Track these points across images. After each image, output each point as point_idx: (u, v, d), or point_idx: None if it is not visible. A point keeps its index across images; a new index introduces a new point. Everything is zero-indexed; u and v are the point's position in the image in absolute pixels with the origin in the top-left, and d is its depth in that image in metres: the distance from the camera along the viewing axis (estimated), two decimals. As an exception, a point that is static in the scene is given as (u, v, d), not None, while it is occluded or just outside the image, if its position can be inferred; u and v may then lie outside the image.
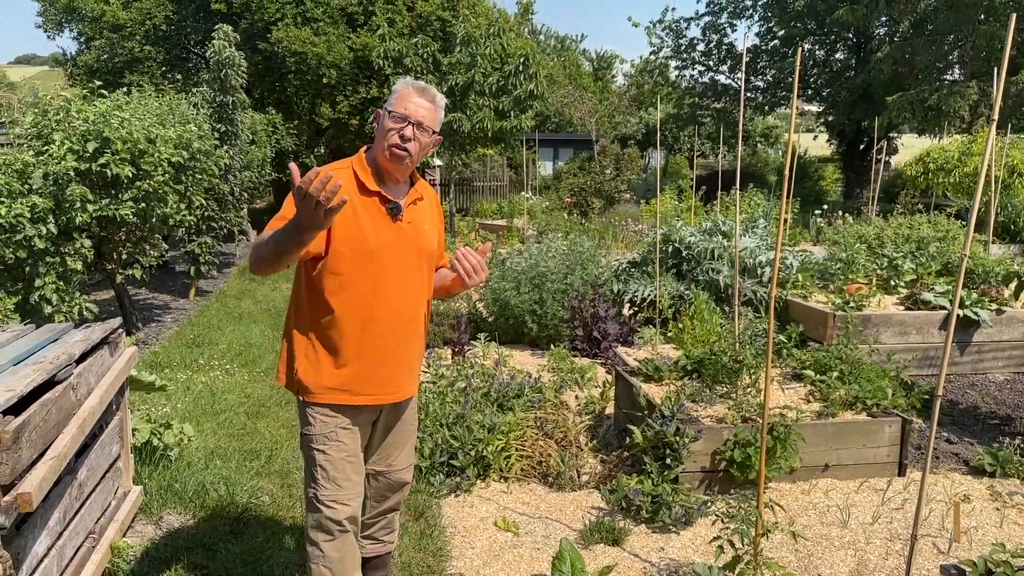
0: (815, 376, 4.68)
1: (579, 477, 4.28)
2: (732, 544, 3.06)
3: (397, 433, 2.76)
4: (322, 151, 17.47)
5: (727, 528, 3.09)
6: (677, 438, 3.91)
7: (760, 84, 26.12)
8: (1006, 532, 3.56)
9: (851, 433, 4.12)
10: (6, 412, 2.41)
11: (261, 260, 2.23)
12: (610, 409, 5.25)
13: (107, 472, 3.40)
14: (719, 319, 5.89)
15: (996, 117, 2.54)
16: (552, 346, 6.57)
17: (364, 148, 2.60)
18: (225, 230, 10.33)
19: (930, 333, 6.31)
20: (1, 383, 2.56)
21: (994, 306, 6.35)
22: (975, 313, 6.25)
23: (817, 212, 13.51)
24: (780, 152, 39.98)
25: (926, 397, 4.44)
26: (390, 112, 2.46)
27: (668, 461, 3.91)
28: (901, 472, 4.18)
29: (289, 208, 2.29)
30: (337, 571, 2.55)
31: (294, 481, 4.29)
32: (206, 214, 9.32)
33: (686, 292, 7.06)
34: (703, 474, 4.05)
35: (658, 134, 6.83)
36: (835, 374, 4.56)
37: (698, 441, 3.93)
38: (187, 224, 8.05)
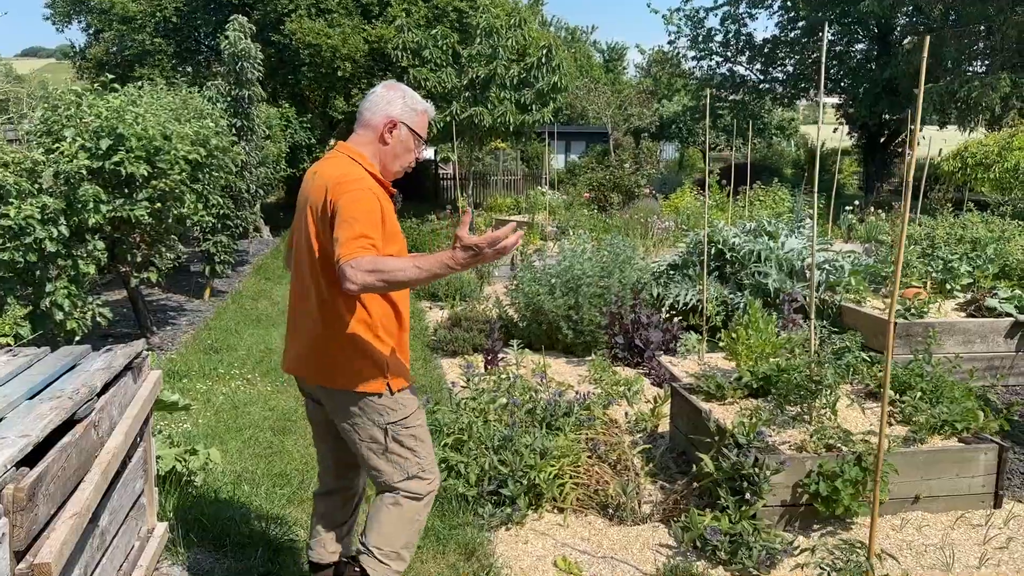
0: (894, 395, 4.31)
1: (640, 508, 3.92)
2: (842, 603, 2.70)
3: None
4: (334, 144, 17.18)
5: (823, 571, 2.73)
6: (756, 470, 3.54)
7: (779, 76, 25.62)
8: None
9: (943, 462, 3.74)
10: (19, 463, 2.05)
11: (394, 283, 2.29)
12: (663, 427, 4.88)
13: (130, 511, 3.04)
14: (774, 328, 5.51)
15: None
16: (590, 353, 6.20)
17: (351, 149, 2.66)
18: (240, 228, 9.99)
19: (995, 342, 5.92)
20: (14, 426, 2.20)
21: (1064, 313, 5.95)
22: (1045, 320, 5.86)
23: (848, 208, 13.08)
24: (794, 145, 39.48)
25: (1017, 419, 4.06)
26: (416, 134, 2.69)
27: (747, 495, 3.54)
28: (997, 504, 3.81)
29: (382, 232, 2.47)
30: (418, 535, 2.79)
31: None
32: (222, 212, 8.97)
33: (730, 297, 6.68)
34: (783, 508, 3.68)
35: (706, 122, 6.42)
36: (917, 393, 4.18)
37: (779, 473, 3.56)
38: (204, 224, 7.70)
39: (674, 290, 6.84)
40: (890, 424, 4.13)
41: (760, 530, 3.48)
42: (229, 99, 9.89)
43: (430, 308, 8.87)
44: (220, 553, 3.52)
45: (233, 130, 9.51)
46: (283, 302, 9.08)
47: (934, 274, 6.89)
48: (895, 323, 5.86)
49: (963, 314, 6.20)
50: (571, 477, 4.02)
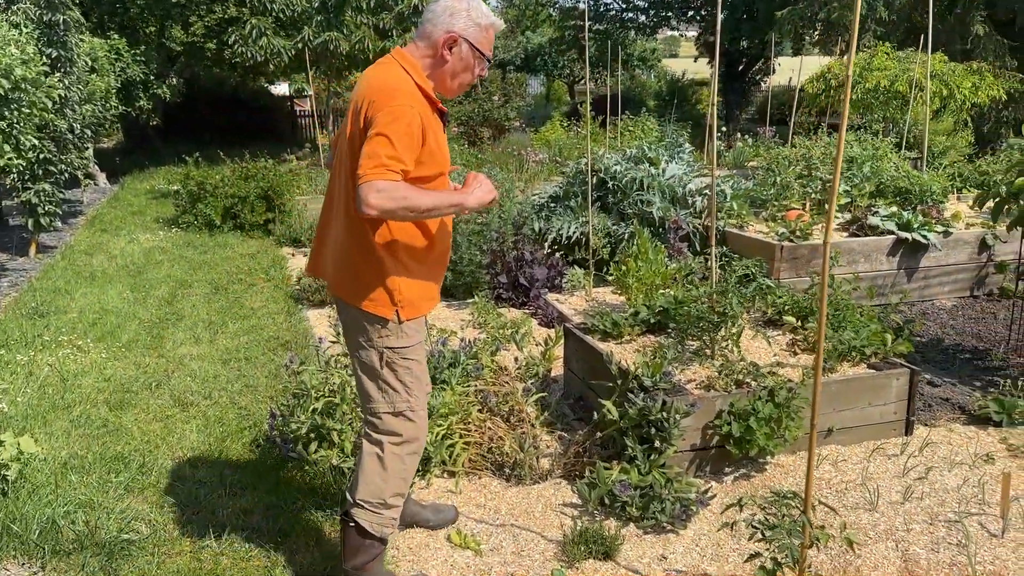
0: (795, 322, 4.08)
1: (538, 464, 3.53)
2: (780, 566, 2.39)
3: None
4: (174, 81, 15.55)
5: (759, 535, 2.42)
6: (665, 415, 3.20)
7: (641, 4, 25.48)
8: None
9: (856, 391, 3.54)
10: None
11: (413, 212, 2.26)
12: (556, 370, 4.50)
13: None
14: (663, 258, 5.21)
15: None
16: (472, 295, 5.74)
17: (406, 58, 2.46)
18: (67, 174, 8.77)
19: (879, 260, 5.88)
20: None
21: (940, 228, 5.98)
22: (924, 236, 5.85)
23: (718, 136, 13.10)
24: (655, 77, 39.88)
25: (919, 339, 3.92)
26: (479, 52, 2.48)
27: (656, 443, 3.20)
28: (908, 431, 3.66)
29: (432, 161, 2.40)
30: (407, 483, 2.63)
31: (180, 499, 3.33)
32: (41, 156, 7.79)
33: (614, 228, 6.35)
34: (692, 453, 3.38)
35: (585, 42, 5.95)
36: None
37: (689, 416, 3.24)
38: (16, 169, 6.60)
39: (556, 223, 6.43)
40: (795, 353, 3.90)
41: (672, 480, 3.15)
42: (42, 25, 8.55)
43: (293, 255, 8.12)
44: (38, 564, 2.86)
45: (47, 60, 8.24)
46: (121, 257, 8.07)
47: (813, 195, 6.80)
48: (781, 247, 5.70)
49: (846, 234, 6.13)
50: (461, 436, 3.57)
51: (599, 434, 3.47)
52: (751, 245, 5.98)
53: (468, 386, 3.92)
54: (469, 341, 4.35)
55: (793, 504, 2.44)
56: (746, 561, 2.53)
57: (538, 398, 4.04)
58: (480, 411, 3.77)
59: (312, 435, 3.46)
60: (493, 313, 5.40)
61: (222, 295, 6.57)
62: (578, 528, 2.96)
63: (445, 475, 3.49)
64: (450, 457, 3.49)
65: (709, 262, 5.53)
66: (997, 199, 4.46)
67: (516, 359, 4.56)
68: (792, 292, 4.41)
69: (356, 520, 2.59)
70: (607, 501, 3.16)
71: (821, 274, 2.28)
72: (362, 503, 2.58)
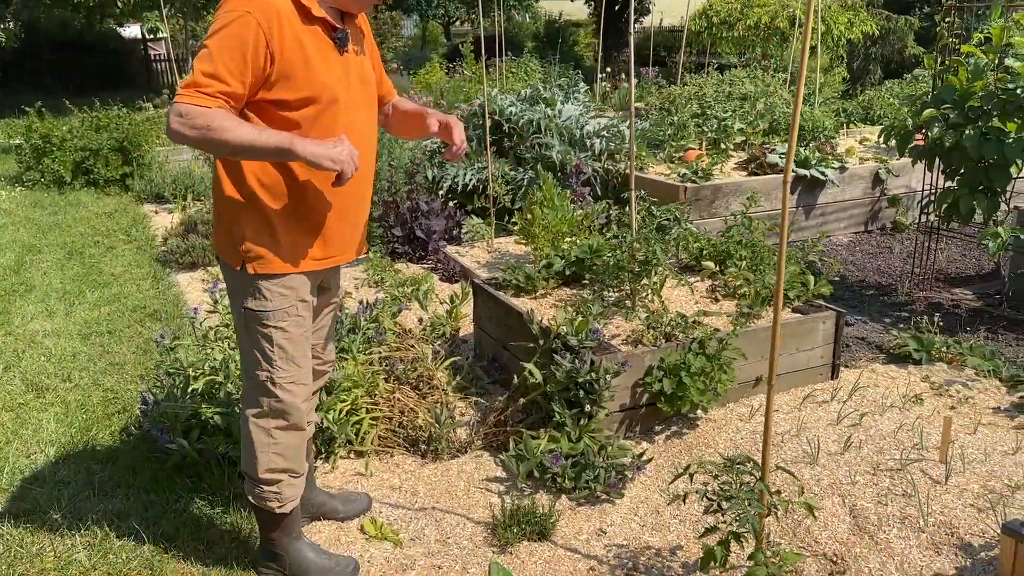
0: (715, 267, 3.89)
1: (456, 435, 3.21)
2: (738, 541, 2.18)
3: (332, 300, 2.48)
4: (10, 24, 13.90)
5: (715, 507, 2.20)
6: (594, 376, 2.93)
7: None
8: (985, 440, 3.02)
9: (784, 337, 3.38)
10: None
11: (218, 146, 1.92)
12: (464, 330, 4.17)
13: None
14: (569, 204, 4.92)
15: None
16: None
17: None
18: None
19: (777, 198, 5.81)
20: None
21: (837, 164, 5.97)
22: (822, 173, 5.83)
23: (602, 76, 12.88)
24: (530, 18, 39.37)
25: (835, 279, 3.82)
26: None
27: (586, 407, 2.94)
28: (835, 374, 3.56)
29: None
30: (291, 459, 2.30)
31: (39, 504, 2.82)
32: None
33: (513, 173, 6.01)
34: (622, 413, 3.14)
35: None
36: (742, 263, 3.79)
37: (619, 376, 2.99)
38: None
39: (451, 170, 6.03)
40: (716, 300, 3.72)
41: (605, 446, 2.91)
42: None
43: (156, 212, 7.35)
44: None
45: None
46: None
47: (709, 134, 6.68)
48: (684, 188, 5.53)
49: (745, 173, 6.03)
50: (369, 411, 3.20)
51: (521, 400, 3.17)
52: (654, 187, 5.78)
53: (371, 354, 3.54)
54: (367, 303, 3.95)
55: (747, 470, 2.23)
56: (701, 537, 2.32)
57: (449, 362, 3.71)
58: (387, 381, 3.40)
59: (193, 421, 3.00)
60: (390, 270, 4.99)
61: (77, 260, 5.83)
62: (508, 507, 2.67)
63: (353, 455, 3.12)
64: (357, 435, 3.12)
65: (614, 208, 5.31)
66: (903, 132, 4.40)
67: (420, 320, 4.19)
68: (708, 236, 4.23)
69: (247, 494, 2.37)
70: (537, 474, 2.88)
71: (781, 212, 2.03)
72: (244, 473, 2.36)
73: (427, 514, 2.76)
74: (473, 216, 5.88)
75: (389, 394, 3.30)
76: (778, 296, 2.12)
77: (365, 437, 3.12)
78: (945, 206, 4.21)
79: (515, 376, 3.21)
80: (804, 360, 3.46)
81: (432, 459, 3.09)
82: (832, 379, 3.54)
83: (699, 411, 3.20)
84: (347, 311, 3.73)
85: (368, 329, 3.71)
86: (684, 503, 2.45)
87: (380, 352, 3.58)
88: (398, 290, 4.54)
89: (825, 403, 3.33)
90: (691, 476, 2.31)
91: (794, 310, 3.55)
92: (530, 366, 3.12)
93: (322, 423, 3.03)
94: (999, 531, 2.33)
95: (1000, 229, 3.99)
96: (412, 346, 3.78)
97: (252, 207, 2.12)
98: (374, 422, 3.18)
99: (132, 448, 3.21)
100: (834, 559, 2.43)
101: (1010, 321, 4.26)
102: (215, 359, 3.20)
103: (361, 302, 3.87)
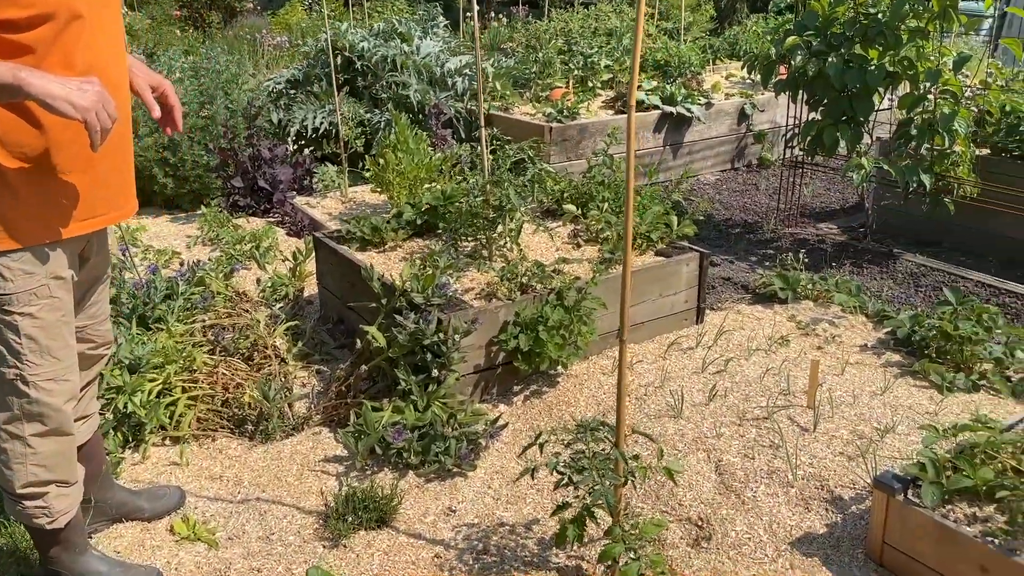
0: (576, 211, 3.63)
1: (292, 410, 2.85)
2: (592, 517, 1.94)
3: (101, 271, 2.06)
4: None
5: (566, 480, 1.95)
6: (442, 336, 2.62)
7: None
8: (853, 381, 2.90)
9: (647, 282, 3.16)
10: None
11: None
12: (309, 290, 3.77)
13: None
14: (427, 147, 4.54)
15: None
16: (202, 206, 4.75)
17: None
18: None
19: (645, 138, 5.62)
20: None
21: (703, 100, 5.81)
22: (688, 110, 5.66)
23: (468, 15, 12.36)
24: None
25: (701, 218, 3.63)
26: None
27: (434, 371, 2.63)
28: (700, 319, 3.38)
29: None
30: (56, 469, 1.90)
31: None
32: None
33: (368, 115, 5.55)
34: (476, 375, 2.85)
35: None
36: (604, 205, 3.53)
37: (470, 335, 2.69)
38: None
39: (299, 113, 5.50)
40: (578, 245, 3.46)
41: (455, 413, 2.62)
42: None
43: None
44: None
45: None
46: None
47: (576, 71, 6.38)
48: (551, 128, 5.24)
49: (612, 111, 5.79)
50: (185, 391, 2.78)
51: (364, 367, 2.84)
52: (519, 128, 5.46)
53: (193, 323, 3.10)
54: (193, 263, 3.49)
55: (602, 435, 1.98)
56: (553, 515, 2.06)
57: (290, 327, 3.31)
58: (211, 353, 2.98)
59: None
60: (228, 225, 4.49)
61: None
62: (343, 493, 2.35)
63: (168, 442, 2.71)
64: (171, 420, 2.71)
65: (478, 149, 4.96)
66: (767, 61, 4.24)
67: (259, 280, 3.76)
68: (569, 177, 3.96)
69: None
70: (379, 450, 2.57)
71: (627, 146, 1.75)
72: (1, 488, 1.93)
73: (250, 507, 2.40)
74: (327, 164, 5.41)
75: (212, 369, 2.89)
76: (627, 240, 1.85)
77: (181, 421, 2.71)
78: (809, 138, 4.10)
79: (358, 340, 2.87)
80: (668, 305, 3.26)
81: (262, 441, 2.72)
82: (698, 323, 3.37)
83: (559, 367, 2.96)
84: (165, 273, 3.26)
85: (193, 294, 3.26)
86: (536, 475, 2.19)
87: (204, 320, 3.15)
88: (234, 248, 4.07)
89: (690, 350, 3.15)
90: (541, 447, 2.05)
91: (657, 253, 3.34)
92: (372, 329, 2.78)
93: (126, 407, 2.61)
94: (870, 482, 2.19)
95: (864, 160, 3.89)
96: (246, 311, 3.37)
97: None
98: (192, 402, 2.77)
99: None
100: (699, 523, 2.25)
101: (874, 254, 4.23)
102: None
103: (183, 263, 3.40)
